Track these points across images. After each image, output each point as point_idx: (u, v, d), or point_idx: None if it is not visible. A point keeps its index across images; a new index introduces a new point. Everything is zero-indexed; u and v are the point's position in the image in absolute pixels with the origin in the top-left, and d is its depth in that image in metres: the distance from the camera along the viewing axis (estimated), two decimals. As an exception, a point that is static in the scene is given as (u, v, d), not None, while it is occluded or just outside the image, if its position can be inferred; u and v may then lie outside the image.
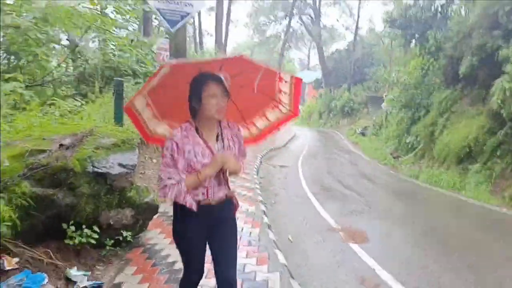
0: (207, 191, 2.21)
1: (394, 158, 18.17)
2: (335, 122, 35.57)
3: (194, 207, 2.13)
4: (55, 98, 5.81)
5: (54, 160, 3.64)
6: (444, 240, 5.55)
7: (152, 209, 4.42)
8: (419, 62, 17.36)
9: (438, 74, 15.91)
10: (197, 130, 2.19)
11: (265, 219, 5.46)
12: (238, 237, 4.48)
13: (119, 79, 6.07)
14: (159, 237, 4.45)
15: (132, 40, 9.54)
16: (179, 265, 3.61)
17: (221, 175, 2.26)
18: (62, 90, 9.17)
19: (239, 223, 5.15)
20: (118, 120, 5.77)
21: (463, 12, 14.32)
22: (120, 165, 4.10)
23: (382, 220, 6.53)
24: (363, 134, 27.92)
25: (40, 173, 3.53)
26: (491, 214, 7.68)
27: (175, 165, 2.10)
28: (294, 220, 6.17)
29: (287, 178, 10.62)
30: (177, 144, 2.11)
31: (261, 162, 13.00)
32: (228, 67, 2.23)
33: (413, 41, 16.96)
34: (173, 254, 3.92)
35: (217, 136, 2.25)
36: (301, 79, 2.51)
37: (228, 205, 2.36)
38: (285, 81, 2.41)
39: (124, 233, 3.98)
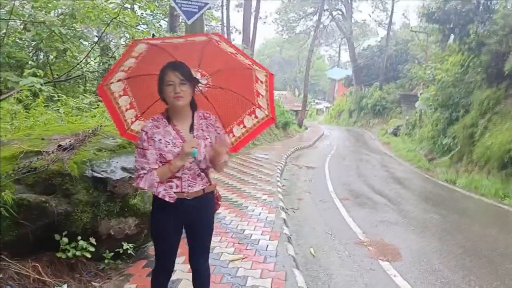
0: (181, 183, 2.17)
1: (429, 160, 17.15)
2: (365, 121, 34.41)
3: (167, 199, 2.11)
4: (61, 95, 5.51)
5: (49, 163, 3.30)
6: (490, 260, 4.84)
7: (159, 217, 4.01)
8: (458, 59, 16.19)
9: (479, 71, 14.73)
10: (169, 120, 2.17)
11: (285, 230, 4.95)
12: (254, 251, 4.04)
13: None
14: (167, 248, 4.03)
15: (153, 35, 9.22)
16: (187, 283, 3.21)
17: (197, 167, 2.19)
18: (86, 87, 9.06)
19: (256, 234, 4.69)
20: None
21: (509, 4, 13.11)
22: (124, 169, 3.72)
23: (417, 233, 5.86)
24: (395, 134, 26.76)
25: (33, 177, 3.20)
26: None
27: (145, 155, 2.10)
28: (318, 230, 5.63)
29: (313, 181, 10.03)
30: (147, 133, 2.11)
31: (286, 162, 12.48)
32: (207, 63, 2.22)
33: (452, 36, 15.80)
34: (181, 269, 3.50)
35: (191, 127, 2.20)
36: (273, 76, 2.32)
37: (206, 201, 2.29)
38: (261, 82, 2.29)
39: (125, 245, 3.60)
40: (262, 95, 2.36)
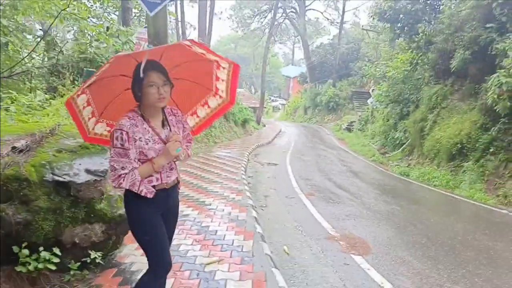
0: (160, 175, 2.24)
1: (382, 154, 17.90)
2: (320, 118, 35.25)
3: (149, 195, 2.15)
4: (11, 91, 5.02)
5: (3, 167, 2.95)
6: (452, 248, 5.08)
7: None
8: (408, 57, 17.03)
9: (427, 68, 15.58)
10: (143, 117, 2.19)
11: (258, 228, 4.87)
12: (229, 252, 3.92)
13: (90, 69, 5.35)
14: (137, 253, 3.78)
15: (108, 28, 8.72)
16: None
17: (172, 160, 2.29)
18: (31, 84, 8.38)
19: (230, 235, 4.57)
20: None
21: (454, 5, 13.95)
22: (88, 171, 3.43)
23: (381, 224, 6.04)
24: (348, 129, 27.67)
25: (-16, 184, 2.85)
26: (493, 215, 7.31)
27: (127, 155, 2.08)
28: (288, 227, 5.61)
29: (277, 178, 10.05)
30: (127, 133, 2.09)
31: (248, 159, 12.41)
32: (168, 57, 2.24)
33: (402, 35, 16.55)
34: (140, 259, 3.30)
35: (163, 123, 2.28)
36: (239, 67, 2.48)
37: (176, 188, 2.43)
38: (223, 68, 2.42)
39: (92, 254, 3.32)
40: (222, 80, 2.48)
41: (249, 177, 9.53)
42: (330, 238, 5.18)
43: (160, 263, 2.25)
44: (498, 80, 9.44)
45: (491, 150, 10.78)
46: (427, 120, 14.25)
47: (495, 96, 9.45)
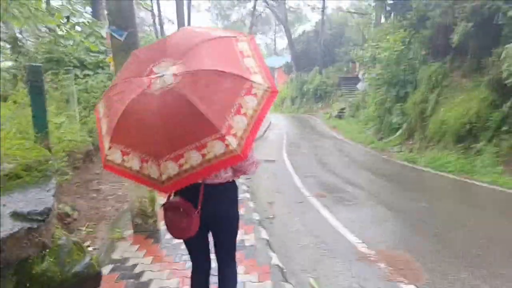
0: None
1: (378, 140, 16.88)
2: (309, 107, 34.14)
3: None
4: None
5: None
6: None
7: (90, 279, 2.51)
8: (401, 35, 15.91)
9: (422, 46, 14.51)
10: None
11: (274, 258, 3.65)
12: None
13: (36, 64, 4.04)
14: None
15: (68, 18, 7.32)
16: None
17: None
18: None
19: (239, 274, 3.34)
20: (40, 127, 3.78)
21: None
22: (17, 215, 2.17)
23: (416, 230, 4.89)
24: (339, 117, 26.64)
25: None
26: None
27: None
28: (308, 246, 4.42)
29: (278, 177, 8.86)
30: None
31: (242, 158, 11.17)
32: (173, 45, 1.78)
33: (394, 12, 15.43)
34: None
35: None
36: (276, 93, 1.77)
37: None
38: (254, 95, 1.69)
39: None
40: (244, 115, 1.67)
41: (247, 178, 8.30)
42: (364, 258, 4.01)
43: None
44: (515, 51, 8.37)
45: (503, 128, 9.77)
46: (428, 101, 13.20)
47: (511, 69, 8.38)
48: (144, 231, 4.35)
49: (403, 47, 15.73)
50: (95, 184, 6.65)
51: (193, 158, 1.62)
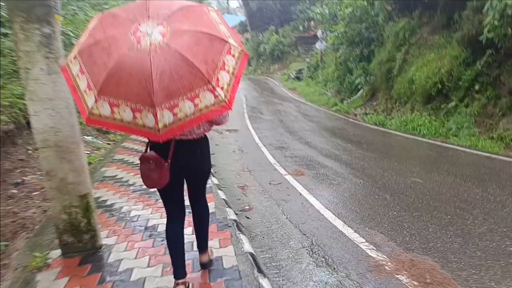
0: None
1: (340, 101, 16.14)
2: (265, 68, 32.77)
3: None
4: None
5: None
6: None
7: None
8: (363, -10, 14.77)
9: (387, 2, 13.49)
10: None
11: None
12: None
13: None
14: None
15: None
16: None
17: None
18: None
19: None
20: None
21: None
22: None
23: (428, 219, 3.97)
24: (298, 78, 25.63)
25: None
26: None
27: None
28: (300, 252, 3.35)
29: (245, 150, 7.70)
30: None
31: (202, 129, 9.84)
32: (177, 19, 1.83)
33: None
34: None
35: None
36: (248, 56, 1.99)
37: None
38: (232, 55, 1.88)
39: None
40: (227, 71, 1.84)
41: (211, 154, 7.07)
42: (378, 267, 3.03)
43: None
44: (499, 4, 7.52)
45: (476, 87, 9.22)
46: (395, 59, 12.40)
47: (496, 22, 7.59)
48: (77, 252, 3.05)
49: (365, 2, 14.65)
50: (17, 174, 5.08)
51: (187, 107, 1.74)
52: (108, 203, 4.26)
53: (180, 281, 2.36)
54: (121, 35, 1.75)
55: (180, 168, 2.15)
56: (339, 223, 3.87)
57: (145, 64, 1.67)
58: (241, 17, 39.45)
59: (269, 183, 5.39)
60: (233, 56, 1.85)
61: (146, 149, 2.17)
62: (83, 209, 3.00)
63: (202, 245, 2.66)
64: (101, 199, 4.41)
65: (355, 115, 13.09)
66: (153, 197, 4.36)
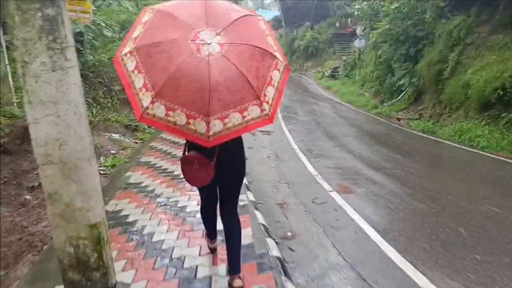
0: None
1: (380, 103, 15.05)
2: (299, 65, 31.68)
3: None
4: None
5: None
6: None
7: None
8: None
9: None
10: None
11: None
12: None
13: None
14: None
15: None
16: None
17: None
18: None
19: None
20: None
21: None
22: None
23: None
24: (333, 76, 24.47)
25: None
26: None
27: None
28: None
29: (281, 157, 6.95)
30: None
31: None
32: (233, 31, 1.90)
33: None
34: None
35: None
36: (290, 71, 2.07)
37: None
38: (278, 70, 1.95)
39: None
40: (273, 86, 1.93)
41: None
42: None
43: None
44: None
45: (545, 95, 8.02)
46: (447, 61, 11.19)
47: None
48: (86, 292, 2.43)
49: (414, -1, 13.44)
50: (33, 177, 4.58)
51: (236, 118, 1.82)
52: (129, 219, 3.64)
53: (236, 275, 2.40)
54: (182, 40, 1.80)
55: (223, 166, 2.17)
56: (408, 267, 3.05)
57: (204, 74, 1.74)
58: (275, 12, 38.46)
59: (312, 201, 4.62)
60: (278, 70, 1.92)
61: (185, 150, 2.23)
62: (93, 242, 2.36)
63: (235, 266, 2.43)
64: (121, 213, 3.80)
65: (399, 119, 12.02)
66: (179, 216, 3.70)
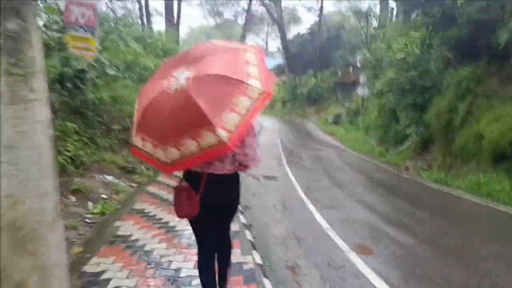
0: None
1: (385, 151, 14.60)
2: (301, 111, 31.80)
3: None
4: None
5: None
6: None
7: None
8: (418, 36, 13.59)
9: (448, 48, 12.20)
10: None
11: None
12: None
13: None
14: None
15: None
16: None
17: None
18: None
19: None
20: None
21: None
22: None
23: None
24: (336, 122, 24.35)
25: None
26: None
27: None
28: None
29: (288, 207, 6.32)
30: None
31: (237, 174, 8.61)
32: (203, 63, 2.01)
33: (416, 9, 13.11)
34: None
35: None
36: (262, 50, 2.48)
37: None
38: (248, 96, 1.93)
39: None
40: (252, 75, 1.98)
41: (246, 208, 5.77)
42: None
43: None
44: None
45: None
46: (457, 111, 10.86)
47: None
48: None
49: (421, 49, 13.43)
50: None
51: (191, 145, 1.86)
52: (110, 285, 2.98)
53: None
54: (160, 80, 2.02)
55: (211, 199, 2.16)
56: None
57: (166, 106, 1.92)
58: (279, 59, 39.32)
59: (328, 265, 3.94)
60: (249, 97, 1.88)
61: (180, 182, 2.25)
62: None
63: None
64: (102, 276, 3.14)
65: (407, 168, 11.47)
66: (171, 282, 3.04)
